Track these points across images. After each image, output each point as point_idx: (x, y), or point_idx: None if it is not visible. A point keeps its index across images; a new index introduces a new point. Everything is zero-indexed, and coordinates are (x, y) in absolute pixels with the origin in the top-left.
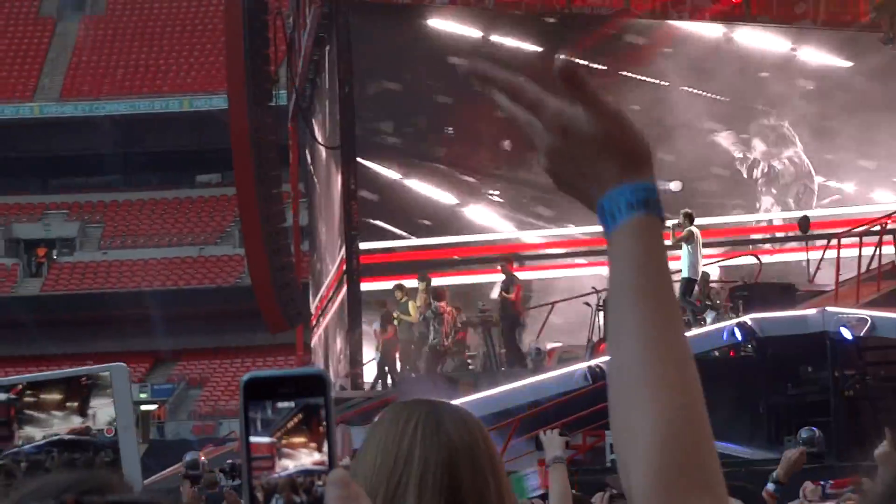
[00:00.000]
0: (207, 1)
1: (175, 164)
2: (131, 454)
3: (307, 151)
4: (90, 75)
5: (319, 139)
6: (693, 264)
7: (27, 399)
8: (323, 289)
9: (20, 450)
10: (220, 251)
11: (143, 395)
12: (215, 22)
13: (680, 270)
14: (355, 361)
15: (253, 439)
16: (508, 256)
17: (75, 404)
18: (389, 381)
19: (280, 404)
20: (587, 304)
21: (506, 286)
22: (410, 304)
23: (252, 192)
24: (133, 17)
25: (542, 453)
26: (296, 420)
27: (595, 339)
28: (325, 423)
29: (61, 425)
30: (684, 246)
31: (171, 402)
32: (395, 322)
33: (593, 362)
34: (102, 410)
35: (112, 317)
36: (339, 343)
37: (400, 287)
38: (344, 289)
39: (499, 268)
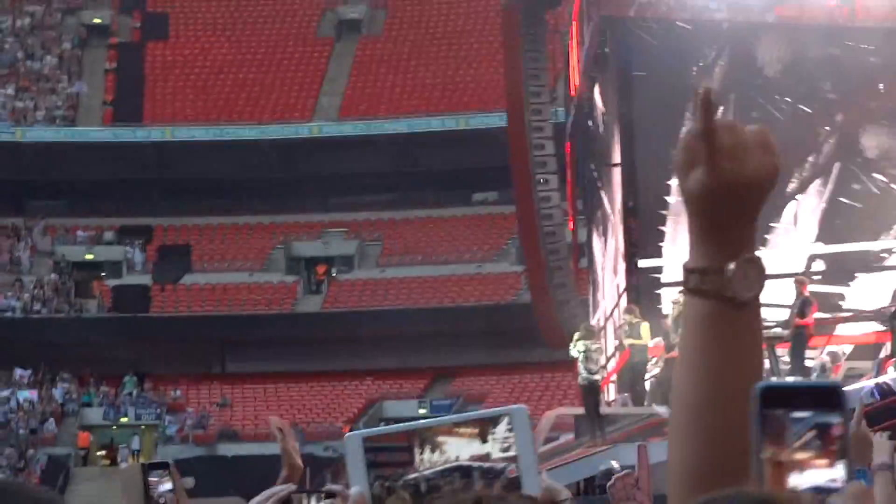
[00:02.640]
0: (483, 19)
1: (452, 183)
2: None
3: (585, 168)
4: (367, 95)
5: (598, 156)
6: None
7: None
8: (603, 306)
9: (420, 474)
10: (497, 268)
11: (422, 412)
12: (490, 40)
13: None
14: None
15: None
16: (802, 278)
17: (476, 430)
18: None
19: (795, 415)
20: (877, 320)
21: (801, 309)
22: (643, 326)
23: (531, 210)
24: (409, 36)
25: None
26: (811, 434)
27: (882, 355)
28: (840, 438)
29: (462, 451)
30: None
31: None
32: (627, 346)
33: (881, 379)
34: (502, 437)
35: (391, 334)
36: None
37: (631, 310)
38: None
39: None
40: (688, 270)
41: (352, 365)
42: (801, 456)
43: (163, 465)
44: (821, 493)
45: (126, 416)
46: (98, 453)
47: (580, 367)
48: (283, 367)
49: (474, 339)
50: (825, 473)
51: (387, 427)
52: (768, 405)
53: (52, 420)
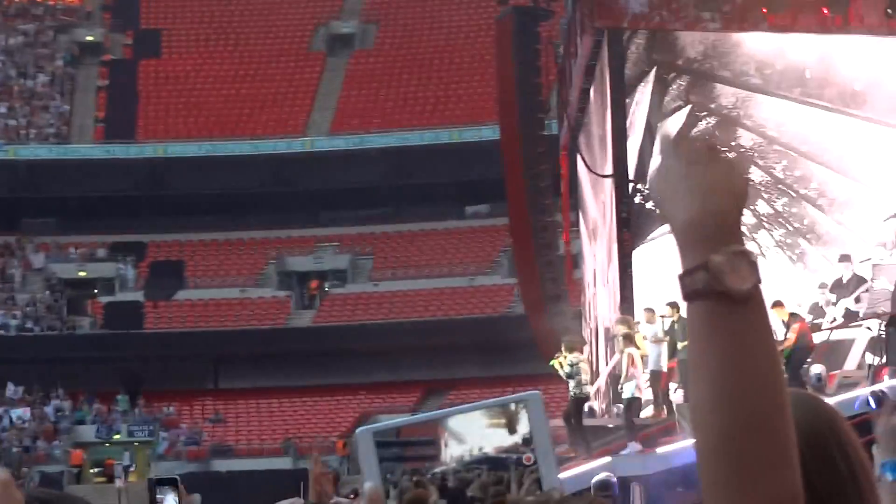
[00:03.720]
0: (475, 33)
1: (444, 196)
2: (552, 480)
3: (578, 179)
4: (360, 109)
5: (591, 168)
6: None
7: (455, 417)
8: (594, 318)
9: (447, 468)
10: (490, 281)
11: None
12: (482, 53)
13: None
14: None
15: None
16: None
17: (503, 421)
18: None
19: None
20: (868, 328)
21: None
22: (637, 338)
23: (526, 222)
24: (401, 50)
25: None
26: None
27: (876, 363)
28: None
29: (486, 441)
30: None
31: None
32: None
33: (876, 387)
34: (526, 426)
35: (384, 348)
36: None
37: (625, 321)
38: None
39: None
40: (680, 277)
41: (345, 379)
42: None
43: (171, 481)
44: None
45: (119, 433)
46: (91, 471)
47: (571, 381)
48: (277, 382)
49: (467, 353)
50: None
51: (397, 420)
52: None
53: (44, 438)
